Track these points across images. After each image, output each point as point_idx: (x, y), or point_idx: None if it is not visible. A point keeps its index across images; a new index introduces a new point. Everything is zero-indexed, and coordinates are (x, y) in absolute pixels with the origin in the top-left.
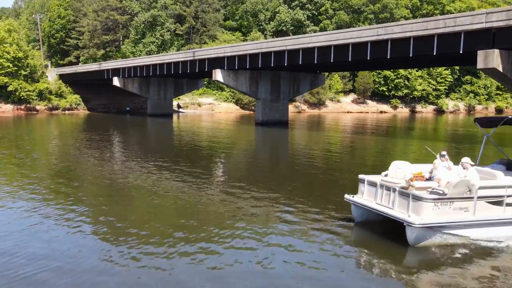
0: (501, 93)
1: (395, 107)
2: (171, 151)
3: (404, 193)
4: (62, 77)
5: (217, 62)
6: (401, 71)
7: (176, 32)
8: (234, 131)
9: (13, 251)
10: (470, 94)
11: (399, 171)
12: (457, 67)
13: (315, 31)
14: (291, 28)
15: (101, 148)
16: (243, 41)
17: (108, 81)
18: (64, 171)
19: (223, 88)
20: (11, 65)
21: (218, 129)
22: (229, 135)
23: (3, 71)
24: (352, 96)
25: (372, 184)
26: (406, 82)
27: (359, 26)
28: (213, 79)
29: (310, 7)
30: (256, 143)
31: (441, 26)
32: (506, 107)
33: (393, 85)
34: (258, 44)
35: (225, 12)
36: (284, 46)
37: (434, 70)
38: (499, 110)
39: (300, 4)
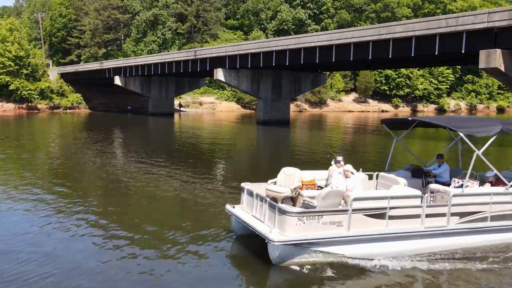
0: (502, 92)
1: (396, 106)
2: (172, 151)
3: (272, 205)
4: (63, 76)
5: (218, 61)
6: (403, 70)
7: (178, 31)
8: (235, 130)
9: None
10: (472, 93)
11: (288, 178)
12: (459, 66)
13: (316, 30)
14: (292, 27)
15: (103, 148)
16: (245, 40)
17: (109, 80)
18: (66, 171)
19: (224, 87)
20: (12, 64)
21: (219, 128)
22: (230, 134)
23: (4, 70)
24: (354, 95)
25: (250, 193)
26: (408, 81)
27: (360, 26)
28: (214, 78)
29: (311, 6)
30: (258, 143)
31: (443, 26)
32: (508, 106)
33: (394, 84)
34: (260, 43)
35: (226, 11)
36: (285, 45)
37: (436, 69)
38: (500, 110)
39: (302, 3)
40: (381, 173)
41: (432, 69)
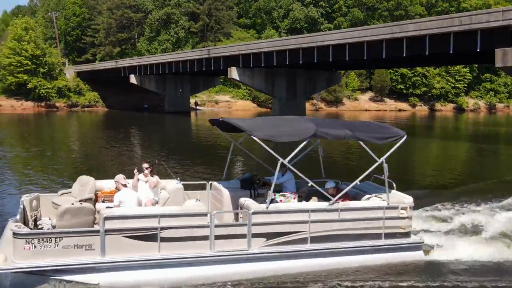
0: None
1: (413, 105)
2: (191, 149)
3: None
4: (79, 74)
5: (232, 60)
6: (418, 69)
7: (191, 29)
8: None
9: None
10: (490, 92)
11: (82, 188)
12: (476, 65)
13: (329, 29)
14: (305, 25)
15: (124, 146)
16: (257, 39)
17: (125, 79)
18: (91, 168)
19: (239, 86)
20: (29, 63)
21: None
22: None
23: (22, 69)
24: (370, 94)
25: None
26: (424, 80)
27: (373, 24)
28: (228, 77)
29: (323, 4)
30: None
31: (457, 24)
32: None
33: (410, 83)
34: (273, 42)
35: (238, 10)
36: (298, 44)
37: (452, 68)
38: None
39: (313, 1)
40: (214, 183)
41: (448, 68)
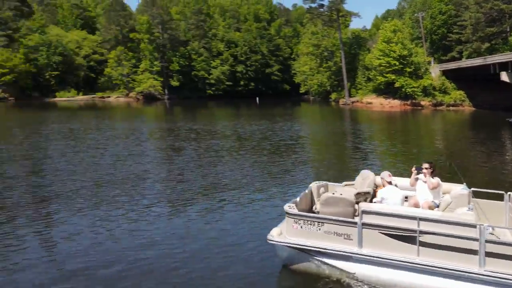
0: None
1: None
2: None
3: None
4: (444, 73)
5: None
6: None
7: None
8: None
9: None
10: None
11: (363, 182)
12: None
13: None
14: None
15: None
16: None
17: (494, 76)
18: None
19: None
20: (397, 63)
21: None
22: None
23: (390, 69)
24: None
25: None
26: None
27: None
28: None
29: None
30: None
31: None
32: None
33: None
34: None
35: None
36: None
37: None
38: None
39: None
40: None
41: None
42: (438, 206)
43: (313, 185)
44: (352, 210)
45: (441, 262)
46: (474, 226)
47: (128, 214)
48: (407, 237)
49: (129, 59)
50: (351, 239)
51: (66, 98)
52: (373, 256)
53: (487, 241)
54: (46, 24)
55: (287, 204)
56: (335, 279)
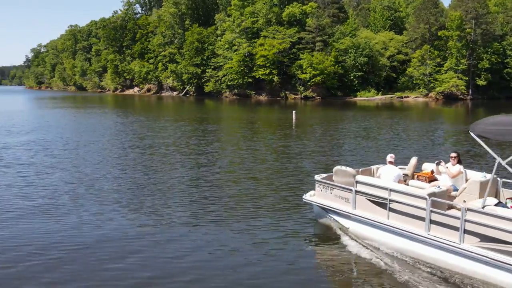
0: None
1: None
2: None
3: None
4: None
5: None
6: None
7: None
8: None
9: None
10: None
11: (409, 165)
12: None
13: None
14: None
15: None
16: None
17: None
18: None
19: None
20: None
21: None
22: None
23: None
24: None
25: None
26: None
27: None
28: None
29: None
30: None
31: None
32: None
33: None
34: None
35: None
36: None
37: None
38: None
39: None
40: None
41: None
42: (456, 191)
43: (414, 160)
44: (353, 180)
45: (401, 225)
46: (424, 198)
47: None
48: (383, 204)
49: (434, 58)
50: (349, 202)
51: (365, 97)
52: (361, 217)
53: (432, 211)
54: (357, 27)
55: (318, 175)
56: (341, 230)
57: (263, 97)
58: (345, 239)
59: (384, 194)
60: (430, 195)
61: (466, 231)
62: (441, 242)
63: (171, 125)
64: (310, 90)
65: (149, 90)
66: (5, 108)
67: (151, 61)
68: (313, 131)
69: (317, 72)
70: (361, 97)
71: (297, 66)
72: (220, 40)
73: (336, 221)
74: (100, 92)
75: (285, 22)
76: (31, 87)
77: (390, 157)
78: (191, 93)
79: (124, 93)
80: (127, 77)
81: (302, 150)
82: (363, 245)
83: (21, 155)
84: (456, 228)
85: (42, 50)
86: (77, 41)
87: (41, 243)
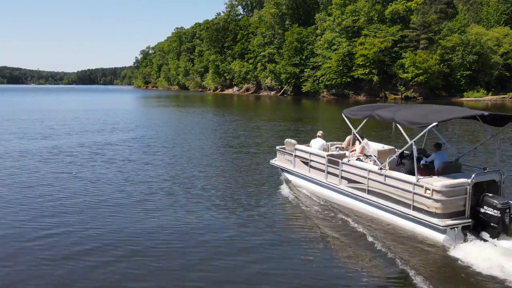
0: None
1: None
2: None
3: None
4: None
5: None
6: None
7: None
8: None
9: None
10: None
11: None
12: None
13: None
14: None
15: None
16: None
17: None
18: None
19: None
20: None
21: None
22: None
23: None
24: None
25: None
26: None
27: None
28: None
29: None
30: None
31: None
32: None
33: None
34: None
35: None
36: None
37: None
38: None
39: None
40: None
41: None
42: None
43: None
44: (293, 148)
45: (314, 176)
46: (324, 156)
47: None
48: (307, 163)
49: None
50: (292, 164)
51: (473, 98)
52: (297, 172)
53: (328, 166)
54: (467, 23)
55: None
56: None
57: (361, 97)
58: (289, 186)
59: (307, 156)
60: (328, 155)
61: (342, 177)
62: (332, 185)
63: (265, 124)
64: (411, 90)
65: (247, 89)
66: (113, 106)
67: (250, 61)
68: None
69: (420, 71)
70: (468, 97)
71: (399, 65)
72: (320, 40)
73: (286, 176)
74: (201, 91)
75: (387, 20)
76: (138, 86)
77: (319, 132)
78: (289, 92)
79: (224, 92)
80: (227, 77)
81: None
82: (297, 191)
83: (122, 151)
84: (337, 175)
85: (150, 51)
86: (182, 42)
87: (135, 239)
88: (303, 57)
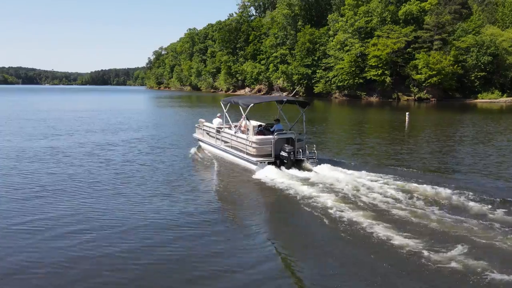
0: None
1: None
2: None
3: None
4: None
5: None
6: None
7: None
8: None
9: None
10: None
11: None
12: None
13: None
14: None
15: None
16: None
17: None
18: None
19: None
20: None
21: None
22: None
23: None
24: None
25: None
26: None
27: None
28: None
29: None
30: None
31: None
32: None
33: None
34: None
35: None
36: None
37: None
38: None
39: None
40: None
41: None
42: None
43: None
44: (202, 124)
45: (213, 142)
46: (214, 128)
47: None
48: (210, 134)
49: None
50: (203, 135)
51: (487, 99)
52: (204, 141)
53: (216, 134)
54: (482, 24)
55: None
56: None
57: (373, 98)
58: (201, 151)
59: (208, 129)
60: (217, 127)
61: (222, 140)
62: (218, 147)
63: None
64: (424, 91)
65: (259, 90)
66: (125, 107)
67: (262, 62)
68: (428, 135)
69: (434, 72)
70: (482, 99)
71: (412, 66)
72: (332, 41)
73: (200, 144)
74: (213, 92)
75: (400, 21)
76: (151, 87)
77: (218, 114)
78: (301, 93)
79: (236, 93)
80: (239, 77)
81: (423, 155)
82: (205, 153)
83: (119, 152)
84: (219, 140)
85: (162, 52)
86: (194, 43)
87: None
88: (315, 58)
